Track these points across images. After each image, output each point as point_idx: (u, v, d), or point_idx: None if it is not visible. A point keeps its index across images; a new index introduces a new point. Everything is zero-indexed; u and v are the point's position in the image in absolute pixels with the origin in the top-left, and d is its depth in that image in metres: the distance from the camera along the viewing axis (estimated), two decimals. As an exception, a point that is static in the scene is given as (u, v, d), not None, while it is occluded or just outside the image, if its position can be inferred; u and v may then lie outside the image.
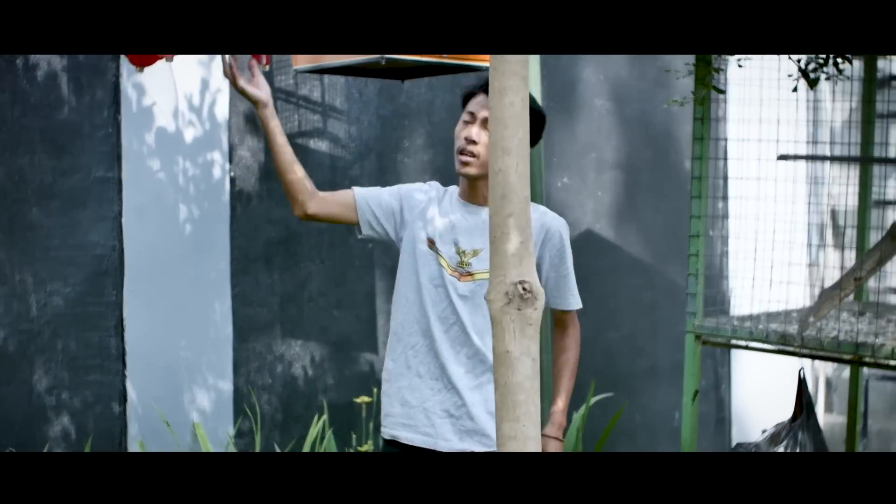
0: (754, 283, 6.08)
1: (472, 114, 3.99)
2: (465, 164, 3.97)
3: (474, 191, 4.06)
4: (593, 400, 6.40)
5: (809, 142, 7.85)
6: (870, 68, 6.46)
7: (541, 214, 4.09)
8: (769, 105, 6.03)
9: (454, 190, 4.15)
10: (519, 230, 2.80)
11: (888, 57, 6.96)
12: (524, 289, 2.76)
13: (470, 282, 4.02)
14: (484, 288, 4.00)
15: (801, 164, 7.78)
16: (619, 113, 7.20)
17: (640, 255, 7.38)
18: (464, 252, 4.04)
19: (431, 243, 4.05)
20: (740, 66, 5.37)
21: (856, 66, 7.30)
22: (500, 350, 2.77)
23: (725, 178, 7.26)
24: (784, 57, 5.26)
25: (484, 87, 3.95)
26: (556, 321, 4.23)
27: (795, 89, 5.31)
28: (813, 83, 5.21)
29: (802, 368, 5.40)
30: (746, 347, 5.79)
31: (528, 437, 2.78)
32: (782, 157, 6.00)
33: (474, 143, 3.95)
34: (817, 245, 8.05)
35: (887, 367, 5.37)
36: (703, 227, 5.62)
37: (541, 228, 4.06)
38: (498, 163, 2.80)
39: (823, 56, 5.11)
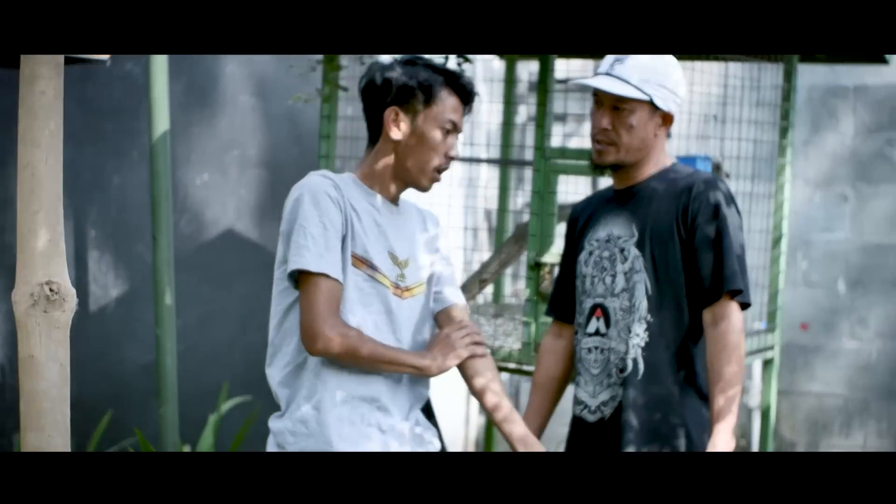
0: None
1: (454, 124, 3.50)
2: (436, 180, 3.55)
3: (399, 188, 3.57)
4: (231, 403, 6.24)
5: (466, 144, 7.88)
6: (510, 70, 6.51)
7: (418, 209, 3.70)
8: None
9: (350, 179, 3.50)
10: (48, 227, 2.63)
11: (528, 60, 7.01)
12: (51, 290, 2.59)
13: (410, 298, 3.52)
14: (421, 304, 3.58)
15: (459, 166, 7.78)
16: (265, 109, 7.07)
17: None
18: (400, 262, 3.50)
19: (361, 261, 3.42)
20: (363, 63, 5.31)
21: (500, 68, 7.37)
22: (24, 355, 2.60)
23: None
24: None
25: (458, 90, 3.50)
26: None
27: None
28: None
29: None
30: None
31: (54, 449, 2.61)
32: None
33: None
34: (471, 249, 8.07)
35: (506, 369, 5.39)
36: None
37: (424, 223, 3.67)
38: (26, 156, 2.62)
39: (444, 58, 5.09)
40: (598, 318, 3.81)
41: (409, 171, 3.49)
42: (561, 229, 4.74)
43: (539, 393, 4.07)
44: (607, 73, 3.75)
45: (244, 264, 6.93)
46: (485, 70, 7.91)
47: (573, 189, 5.87)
